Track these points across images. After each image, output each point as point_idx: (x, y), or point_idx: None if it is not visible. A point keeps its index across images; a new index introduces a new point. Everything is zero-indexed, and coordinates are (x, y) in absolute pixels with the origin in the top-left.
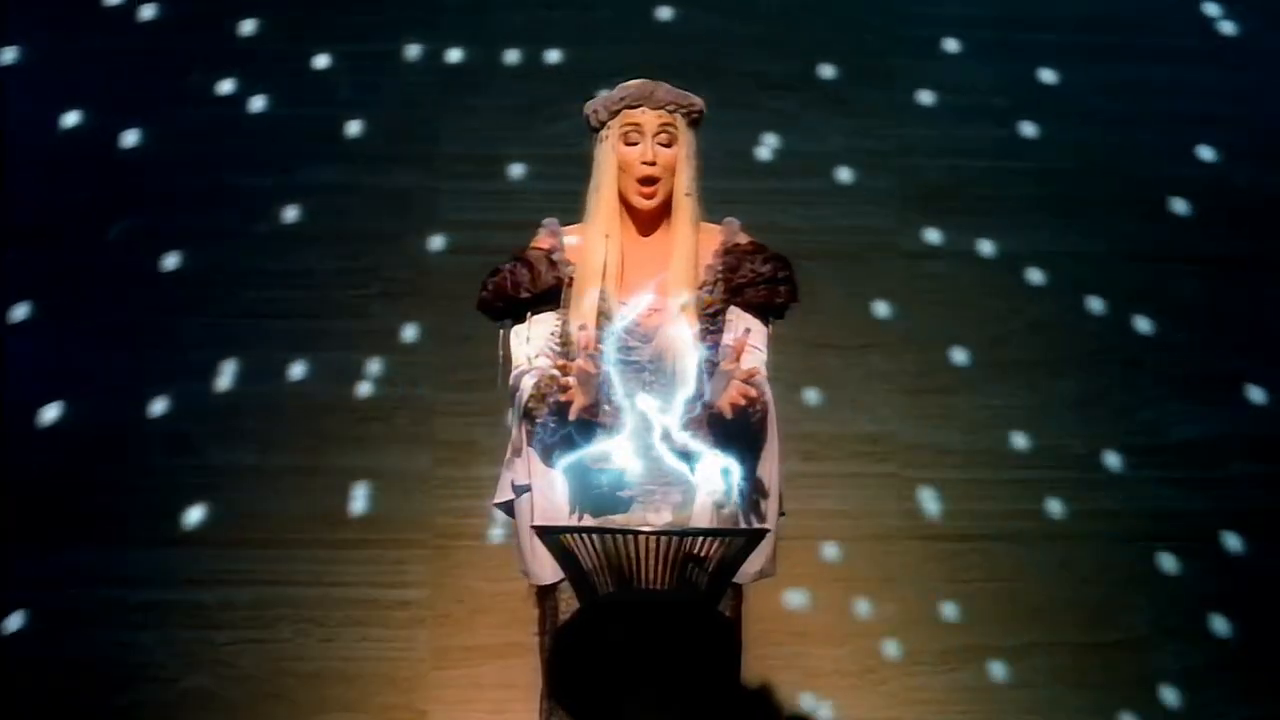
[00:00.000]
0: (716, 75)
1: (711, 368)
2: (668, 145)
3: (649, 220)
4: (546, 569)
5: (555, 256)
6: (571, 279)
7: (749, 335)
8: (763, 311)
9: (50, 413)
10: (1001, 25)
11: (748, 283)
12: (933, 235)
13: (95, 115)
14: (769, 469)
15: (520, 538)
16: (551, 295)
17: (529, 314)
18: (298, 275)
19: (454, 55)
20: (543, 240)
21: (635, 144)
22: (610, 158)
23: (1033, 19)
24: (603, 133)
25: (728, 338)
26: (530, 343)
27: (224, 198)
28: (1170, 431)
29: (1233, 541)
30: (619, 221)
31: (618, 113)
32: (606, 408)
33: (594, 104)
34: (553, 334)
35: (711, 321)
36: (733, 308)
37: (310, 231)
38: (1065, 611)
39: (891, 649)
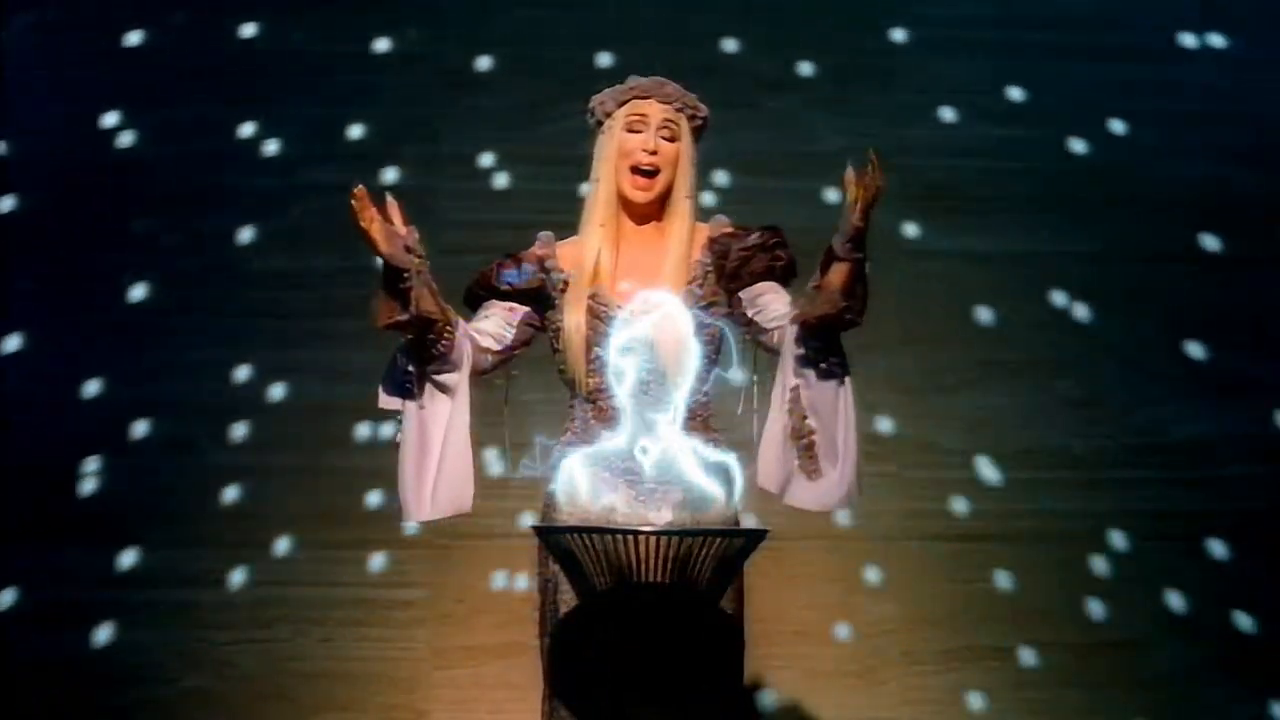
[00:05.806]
0: (716, 75)
1: (709, 365)
2: (670, 140)
3: (643, 217)
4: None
5: (548, 264)
6: (566, 284)
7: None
8: (769, 280)
9: (51, 412)
10: (1001, 25)
11: (740, 263)
12: (933, 235)
13: (97, 114)
14: (848, 436)
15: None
16: (531, 295)
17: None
18: (298, 275)
19: (454, 55)
20: (537, 249)
21: (639, 133)
22: (611, 147)
23: (1032, 19)
24: (606, 123)
25: (771, 313)
26: (481, 321)
27: (224, 197)
28: (1170, 431)
29: (1232, 541)
30: (616, 213)
31: (625, 104)
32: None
33: (600, 96)
34: (508, 323)
35: (709, 317)
36: (747, 292)
37: (310, 231)
38: (1065, 611)
39: (891, 649)
